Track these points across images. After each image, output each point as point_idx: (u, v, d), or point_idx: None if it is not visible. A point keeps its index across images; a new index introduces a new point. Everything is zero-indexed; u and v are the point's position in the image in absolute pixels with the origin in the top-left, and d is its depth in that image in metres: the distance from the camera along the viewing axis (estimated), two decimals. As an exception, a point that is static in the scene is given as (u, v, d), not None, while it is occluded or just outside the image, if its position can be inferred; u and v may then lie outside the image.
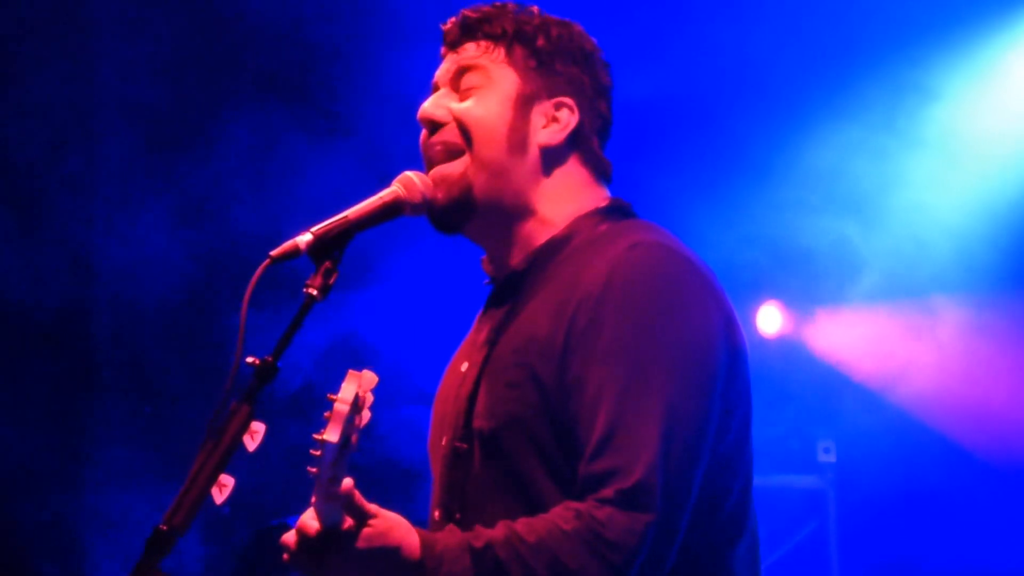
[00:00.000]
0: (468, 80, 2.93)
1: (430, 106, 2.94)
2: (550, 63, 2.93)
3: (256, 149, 6.97)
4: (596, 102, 2.97)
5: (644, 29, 6.94)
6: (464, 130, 2.90)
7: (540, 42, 2.93)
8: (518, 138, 2.89)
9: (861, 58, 7.10)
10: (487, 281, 3.03)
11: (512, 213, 2.91)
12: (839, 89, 7.17)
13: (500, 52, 2.92)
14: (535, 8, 2.99)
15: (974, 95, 7.10)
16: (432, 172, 2.91)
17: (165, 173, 6.80)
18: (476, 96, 2.91)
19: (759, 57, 7.11)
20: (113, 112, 6.81)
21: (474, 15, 2.96)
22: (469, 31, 2.95)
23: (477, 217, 2.91)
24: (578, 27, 3.00)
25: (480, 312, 3.05)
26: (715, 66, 7.15)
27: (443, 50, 3.00)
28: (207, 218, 6.88)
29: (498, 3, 2.98)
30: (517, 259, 2.92)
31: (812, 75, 7.16)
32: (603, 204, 2.95)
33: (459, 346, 3.08)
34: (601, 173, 2.98)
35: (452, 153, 2.90)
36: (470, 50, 2.94)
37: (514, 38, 2.93)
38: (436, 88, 2.98)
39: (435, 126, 2.92)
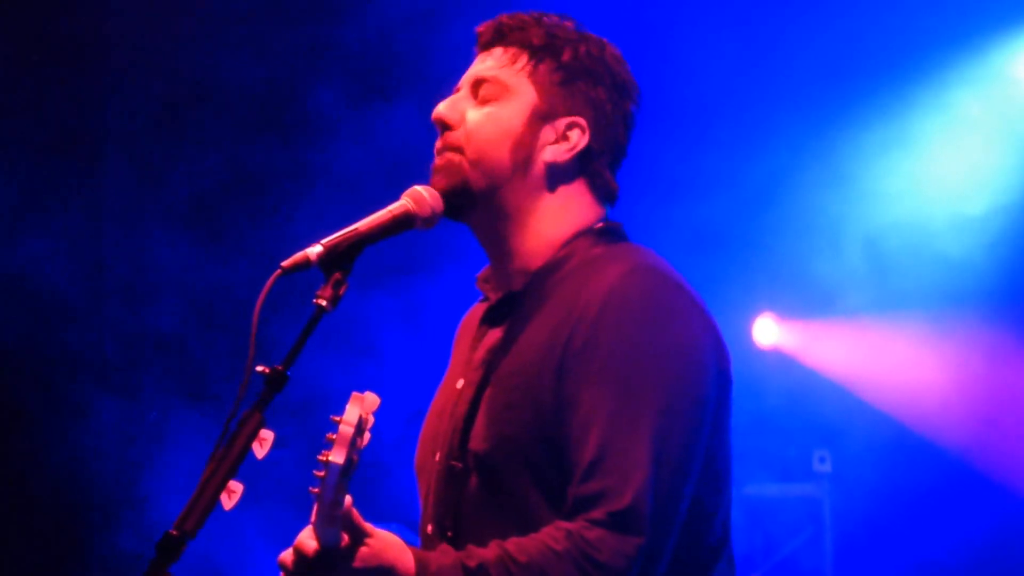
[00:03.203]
0: (487, 89, 2.93)
1: (445, 108, 2.95)
2: (573, 81, 2.93)
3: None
4: (613, 127, 2.96)
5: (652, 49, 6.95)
6: (470, 138, 2.92)
7: (567, 58, 2.93)
8: (523, 153, 2.91)
9: (868, 70, 7.11)
10: (482, 299, 3.06)
11: (510, 217, 2.93)
12: (841, 103, 7.18)
13: (525, 63, 2.93)
14: (571, 23, 2.99)
15: (984, 109, 7.14)
16: (437, 160, 2.93)
17: (179, 166, 6.78)
18: (492, 107, 2.93)
19: (755, 72, 7.12)
20: (127, 100, 6.80)
21: (510, 21, 2.98)
22: (501, 36, 2.97)
23: (475, 210, 2.92)
24: (613, 49, 2.99)
25: (463, 328, 3.10)
26: (713, 79, 7.15)
27: (476, 49, 3.02)
28: (218, 219, 6.86)
29: (536, 13, 2.99)
30: (515, 278, 2.94)
31: (812, 89, 7.17)
32: (598, 225, 2.96)
33: (450, 361, 3.10)
34: (605, 195, 2.99)
35: (457, 151, 2.92)
36: (498, 55, 2.96)
37: (542, 51, 2.94)
38: (458, 90, 2.99)
39: (445, 127, 2.94)
